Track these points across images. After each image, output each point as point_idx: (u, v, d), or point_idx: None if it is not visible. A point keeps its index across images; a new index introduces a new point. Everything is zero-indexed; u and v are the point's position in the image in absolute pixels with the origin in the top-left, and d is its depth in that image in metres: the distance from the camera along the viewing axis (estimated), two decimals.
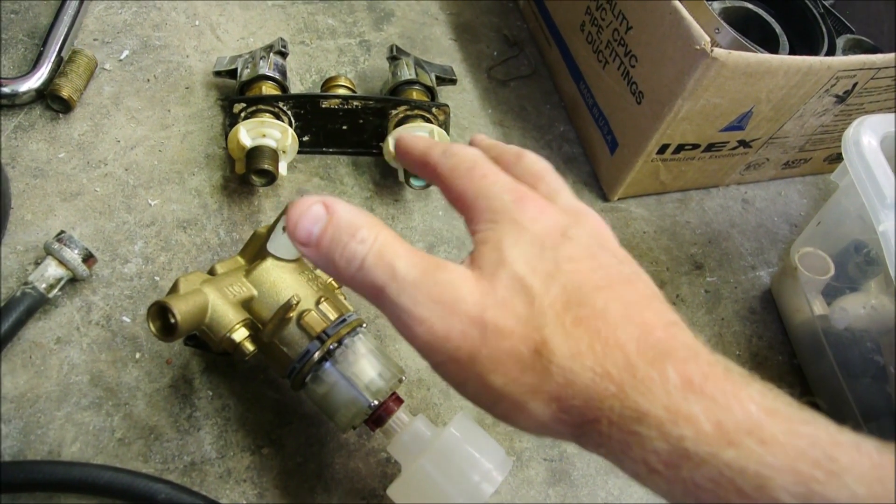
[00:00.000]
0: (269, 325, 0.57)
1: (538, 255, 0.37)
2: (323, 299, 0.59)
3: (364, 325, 0.60)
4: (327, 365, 0.57)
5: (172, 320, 0.53)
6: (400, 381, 0.59)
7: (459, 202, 0.42)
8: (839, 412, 0.73)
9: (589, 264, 0.37)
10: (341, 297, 0.62)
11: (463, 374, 0.36)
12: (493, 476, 0.55)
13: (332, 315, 0.58)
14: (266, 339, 0.57)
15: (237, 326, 0.57)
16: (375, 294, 0.37)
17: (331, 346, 0.57)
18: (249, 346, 0.57)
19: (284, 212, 0.58)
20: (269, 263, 0.59)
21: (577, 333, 0.34)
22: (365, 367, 0.58)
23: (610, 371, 0.33)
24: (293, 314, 0.57)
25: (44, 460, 0.59)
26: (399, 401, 0.59)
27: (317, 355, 0.57)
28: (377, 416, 0.57)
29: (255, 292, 0.59)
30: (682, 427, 0.31)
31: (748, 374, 0.34)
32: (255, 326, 0.58)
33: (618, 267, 0.38)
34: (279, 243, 0.59)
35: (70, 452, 0.60)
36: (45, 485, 0.56)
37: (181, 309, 0.53)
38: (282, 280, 0.59)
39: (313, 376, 0.57)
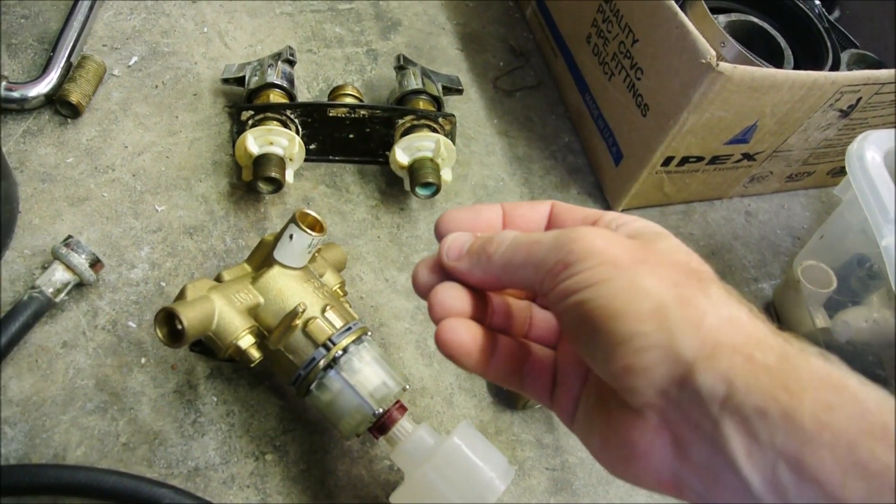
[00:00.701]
0: (276, 332, 0.57)
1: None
2: (328, 307, 0.59)
3: (369, 333, 0.61)
4: (332, 373, 0.57)
5: (180, 327, 0.54)
6: (404, 389, 0.59)
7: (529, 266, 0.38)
8: None
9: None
10: (346, 306, 0.63)
11: (613, 272, 0.33)
12: (495, 485, 0.55)
13: (338, 323, 0.58)
14: (272, 346, 0.58)
15: (243, 333, 0.57)
16: (534, 249, 0.36)
17: (336, 354, 0.57)
18: (255, 353, 0.58)
19: (292, 220, 0.59)
20: (275, 271, 0.60)
21: (731, 294, 0.34)
22: (370, 375, 0.58)
23: (765, 325, 0.33)
24: (299, 321, 0.57)
25: (49, 464, 0.59)
26: (403, 409, 0.59)
27: (322, 363, 0.57)
28: (381, 424, 0.58)
29: (261, 300, 0.59)
30: (834, 367, 0.31)
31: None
32: (261, 334, 0.59)
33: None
34: (286, 251, 0.60)
35: (75, 456, 0.60)
36: (49, 488, 0.56)
37: (188, 315, 0.54)
38: (288, 288, 0.59)
39: (318, 384, 0.58)
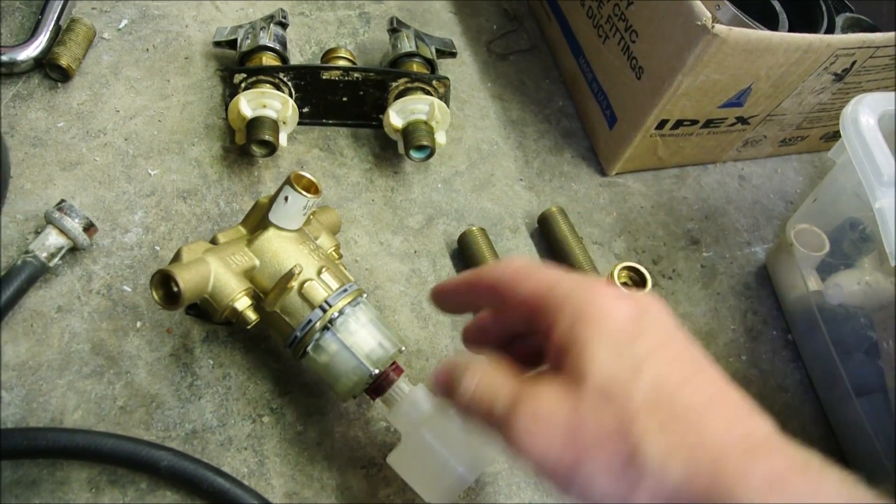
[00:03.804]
0: (271, 294, 0.57)
1: (618, 358, 0.38)
2: (324, 269, 0.59)
3: (365, 295, 0.61)
4: (328, 334, 0.58)
5: (176, 289, 0.54)
6: (400, 350, 0.60)
7: (527, 304, 0.43)
8: (832, 387, 0.74)
9: (665, 356, 0.39)
10: (342, 268, 0.63)
11: (563, 485, 0.38)
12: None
13: (334, 285, 0.58)
14: (268, 308, 0.58)
15: (239, 295, 0.57)
16: (487, 418, 0.41)
17: (332, 316, 0.57)
18: (252, 315, 0.58)
19: (287, 181, 0.58)
20: (270, 233, 0.60)
21: (666, 434, 0.36)
22: (366, 336, 0.58)
23: (699, 469, 0.35)
24: (295, 283, 0.57)
25: (47, 427, 0.59)
26: (399, 370, 0.59)
27: (318, 325, 0.57)
28: (377, 386, 0.58)
29: (256, 262, 0.59)
30: None
31: (823, 464, 0.36)
32: (256, 296, 0.59)
33: (690, 353, 0.40)
34: (281, 213, 0.60)
35: (72, 420, 0.60)
36: (48, 452, 0.57)
37: (185, 278, 0.54)
38: (284, 250, 0.59)
39: (315, 345, 0.58)
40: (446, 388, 0.44)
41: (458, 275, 0.51)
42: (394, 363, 0.59)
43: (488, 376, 0.42)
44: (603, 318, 0.39)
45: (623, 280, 0.69)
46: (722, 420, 0.37)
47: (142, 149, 0.75)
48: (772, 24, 0.83)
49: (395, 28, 0.83)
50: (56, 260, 0.65)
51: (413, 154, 0.75)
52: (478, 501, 0.64)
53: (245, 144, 0.72)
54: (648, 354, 0.39)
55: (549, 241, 0.78)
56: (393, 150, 0.81)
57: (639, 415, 0.37)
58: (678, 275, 0.80)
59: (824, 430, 0.74)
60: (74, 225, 0.64)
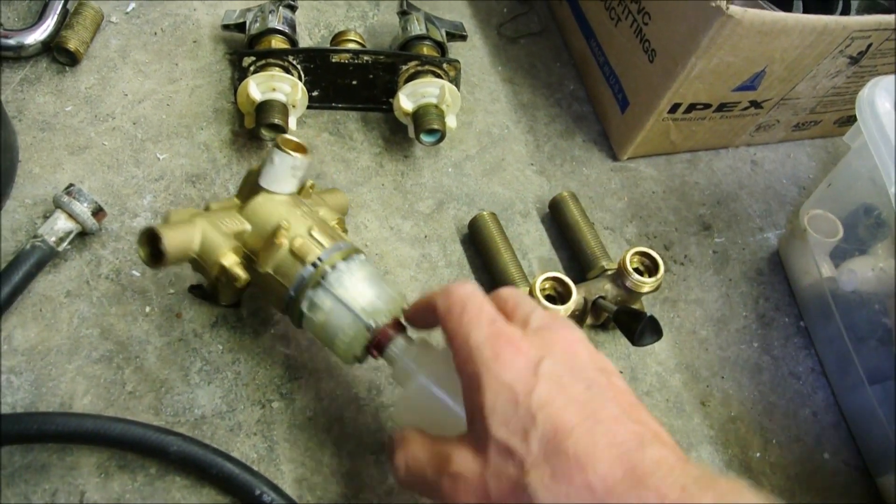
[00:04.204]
0: (262, 252, 0.57)
1: (514, 412, 0.43)
2: (315, 227, 0.58)
3: (363, 256, 0.59)
4: (321, 291, 0.55)
5: (161, 247, 0.53)
6: (402, 308, 0.57)
7: (450, 341, 0.48)
8: (845, 374, 0.73)
9: (560, 401, 0.43)
10: (339, 230, 0.62)
11: None
12: None
13: (327, 242, 0.57)
14: (261, 269, 0.57)
15: (227, 251, 0.57)
16: (421, 486, 0.49)
17: (325, 271, 0.55)
18: (241, 273, 0.57)
19: (274, 144, 0.58)
20: (261, 197, 0.59)
21: (557, 483, 0.41)
22: (362, 290, 0.56)
23: None
24: (284, 240, 0.56)
25: (56, 412, 0.59)
26: (400, 326, 0.56)
27: (311, 281, 0.55)
28: (377, 342, 0.55)
29: (247, 226, 0.58)
30: None
31: (714, 476, 0.40)
32: (249, 259, 0.58)
33: (587, 392, 0.44)
34: (270, 175, 0.59)
35: (82, 405, 0.60)
36: (57, 436, 0.56)
37: (169, 235, 0.54)
38: (275, 211, 0.58)
39: (309, 304, 0.56)
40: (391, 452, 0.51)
41: (419, 299, 0.54)
42: (395, 319, 0.56)
43: (415, 448, 0.49)
44: (497, 380, 0.44)
45: (635, 265, 0.68)
46: (607, 460, 0.40)
47: (150, 133, 0.75)
48: (786, 6, 0.81)
49: (406, 11, 0.82)
50: (65, 244, 0.65)
51: (423, 138, 0.75)
52: None
53: (254, 128, 0.72)
54: (542, 406, 0.43)
55: (560, 226, 0.77)
56: (403, 134, 0.80)
57: (533, 468, 0.41)
58: (690, 260, 0.80)
59: (836, 417, 0.73)
60: (83, 209, 0.64)
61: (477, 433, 0.44)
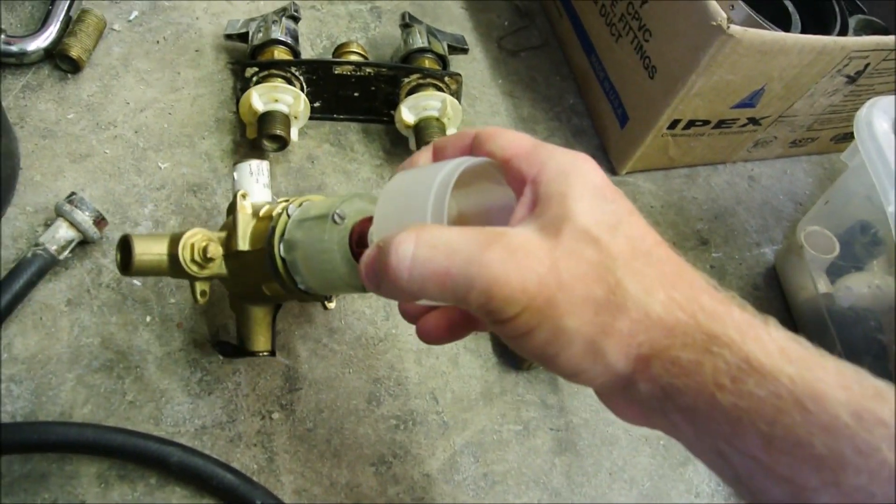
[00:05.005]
0: (232, 231, 0.56)
1: (601, 208, 0.38)
2: (281, 199, 0.57)
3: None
4: (291, 225, 0.52)
5: (131, 250, 0.54)
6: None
7: (507, 154, 0.42)
8: None
9: (637, 222, 0.39)
10: None
11: (536, 320, 0.36)
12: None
13: (295, 204, 0.55)
14: (241, 246, 0.55)
15: (197, 232, 0.56)
16: (444, 281, 0.36)
17: (289, 210, 0.53)
18: (215, 248, 0.56)
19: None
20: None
21: (647, 273, 0.37)
22: (323, 203, 0.52)
23: (681, 303, 0.36)
24: (246, 202, 0.56)
25: (57, 421, 0.59)
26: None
27: (279, 225, 0.53)
28: (357, 238, 0.48)
29: (223, 233, 0.58)
30: (750, 345, 0.34)
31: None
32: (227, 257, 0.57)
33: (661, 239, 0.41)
34: (240, 182, 0.60)
35: (81, 414, 0.60)
36: (57, 446, 0.56)
37: (139, 240, 0.55)
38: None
39: (285, 245, 0.52)
40: (376, 270, 0.39)
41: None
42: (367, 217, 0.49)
43: (430, 228, 0.38)
44: (586, 176, 0.39)
45: None
46: (695, 275, 0.38)
47: (152, 141, 0.75)
48: (784, 25, 0.82)
49: (408, 23, 0.82)
50: (66, 253, 0.65)
51: None
52: (487, 500, 0.64)
53: (256, 139, 0.72)
54: (629, 212, 0.39)
55: None
56: (404, 146, 0.80)
57: (620, 255, 0.37)
58: None
59: None
60: (85, 218, 0.64)
61: (552, 218, 0.38)
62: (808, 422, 0.32)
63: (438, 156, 0.46)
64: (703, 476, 0.69)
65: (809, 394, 0.33)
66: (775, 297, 0.81)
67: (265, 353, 0.61)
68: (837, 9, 0.84)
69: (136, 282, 0.67)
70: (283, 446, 0.62)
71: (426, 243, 0.37)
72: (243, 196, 0.56)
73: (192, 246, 0.55)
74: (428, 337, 0.46)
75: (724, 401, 0.34)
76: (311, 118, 0.78)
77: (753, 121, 0.82)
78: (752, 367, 0.34)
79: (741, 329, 0.35)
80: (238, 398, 0.63)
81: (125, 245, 0.55)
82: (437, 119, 0.75)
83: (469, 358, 0.70)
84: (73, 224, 0.64)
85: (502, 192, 0.44)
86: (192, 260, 0.55)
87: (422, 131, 0.74)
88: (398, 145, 0.81)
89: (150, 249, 0.55)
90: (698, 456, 0.38)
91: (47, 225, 0.66)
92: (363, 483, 0.62)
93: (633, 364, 0.37)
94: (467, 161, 0.41)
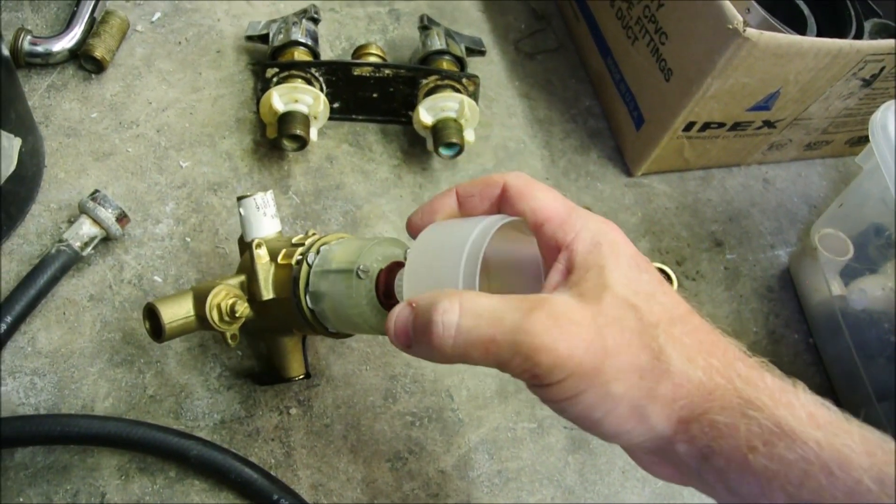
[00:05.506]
0: (252, 280, 0.56)
1: (637, 278, 0.40)
2: (296, 238, 0.56)
3: (346, 235, 0.57)
4: (314, 276, 0.52)
5: (160, 320, 0.55)
6: (406, 256, 0.47)
7: (541, 216, 0.43)
8: (853, 391, 0.74)
9: (668, 290, 0.41)
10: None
11: (584, 385, 0.37)
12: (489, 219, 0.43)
13: (308, 241, 0.55)
14: (264, 297, 0.55)
15: (220, 290, 0.56)
16: (488, 348, 0.37)
17: (309, 259, 0.53)
18: (241, 305, 0.55)
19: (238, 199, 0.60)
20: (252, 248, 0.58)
21: (686, 342, 0.39)
22: (342, 251, 0.52)
23: (719, 370, 0.38)
24: (262, 250, 0.56)
25: (79, 414, 0.60)
26: (400, 264, 0.49)
27: (302, 273, 0.52)
28: (384, 289, 0.48)
29: (242, 277, 0.58)
30: (782, 410, 0.36)
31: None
32: (252, 302, 0.57)
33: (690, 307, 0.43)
34: (247, 227, 0.59)
35: (103, 407, 0.61)
36: (80, 438, 0.58)
37: (165, 306, 0.55)
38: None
39: (312, 296, 0.52)
40: (409, 332, 0.40)
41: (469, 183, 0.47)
42: (393, 262, 0.49)
43: (472, 295, 0.39)
44: (620, 246, 0.41)
45: None
46: (727, 342, 0.40)
47: (173, 141, 0.76)
48: (800, 28, 0.83)
49: (426, 25, 0.83)
50: (89, 249, 0.66)
51: (442, 151, 0.76)
52: (501, 496, 0.64)
53: (276, 138, 0.73)
54: (659, 283, 0.41)
55: None
56: (421, 147, 0.81)
57: (660, 323, 0.38)
58: (701, 276, 0.81)
59: None
60: (108, 215, 0.65)
61: (591, 286, 0.39)
62: (833, 485, 0.34)
63: (465, 206, 0.46)
64: None
65: (836, 459, 0.34)
66: (789, 299, 0.82)
67: (301, 377, 0.63)
68: (853, 12, 0.84)
69: (157, 278, 0.68)
70: (300, 441, 0.63)
71: (470, 312, 0.38)
72: (258, 246, 0.56)
73: (219, 307, 0.55)
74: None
75: (756, 463, 0.36)
76: (330, 118, 0.79)
77: (768, 124, 0.82)
78: (784, 431, 0.36)
79: (773, 394, 0.37)
80: (256, 393, 0.64)
81: (152, 314, 0.56)
82: (455, 120, 0.76)
83: None
84: (96, 221, 0.65)
85: (528, 244, 0.45)
86: (222, 320, 0.56)
87: (439, 132, 0.75)
88: (416, 146, 0.82)
89: (177, 314, 0.56)
90: None
91: (71, 222, 0.67)
92: (379, 478, 0.63)
93: (674, 426, 0.38)
94: (500, 221, 0.42)
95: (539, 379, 0.37)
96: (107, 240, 0.68)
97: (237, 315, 0.55)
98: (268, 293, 0.55)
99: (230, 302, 0.55)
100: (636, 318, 0.38)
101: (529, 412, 0.68)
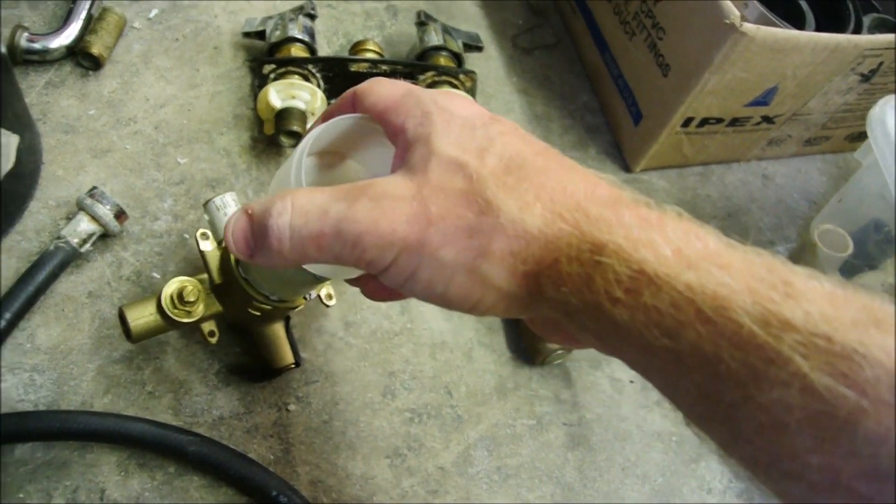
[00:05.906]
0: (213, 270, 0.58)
1: (469, 135, 0.37)
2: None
3: None
4: None
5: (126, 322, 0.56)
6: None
7: (379, 108, 0.41)
8: None
9: (520, 137, 0.38)
10: None
11: (415, 260, 0.36)
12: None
13: None
14: (218, 280, 0.58)
15: (185, 282, 0.58)
16: (320, 244, 0.36)
17: None
18: (194, 286, 0.58)
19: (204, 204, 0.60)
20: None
21: (521, 188, 0.35)
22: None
23: (562, 214, 0.34)
24: (206, 239, 0.58)
25: (78, 410, 0.60)
26: None
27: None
28: None
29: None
30: (641, 252, 0.32)
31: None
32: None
33: (540, 141, 0.39)
34: (218, 230, 0.60)
35: (102, 404, 0.61)
36: (79, 434, 0.58)
37: (131, 309, 0.57)
38: None
39: (243, 267, 0.56)
40: (249, 241, 0.39)
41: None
42: None
43: (304, 193, 0.37)
44: (452, 111, 0.39)
45: None
46: (581, 183, 0.36)
47: (171, 137, 0.76)
48: (798, 24, 0.83)
49: (423, 21, 0.83)
50: (87, 246, 0.66)
51: None
52: (500, 493, 0.64)
53: (274, 135, 0.73)
54: (502, 133, 0.38)
55: None
56: None
57: (491, 176, 0.35)
58: None
59: None
60: (106, 211, 0.65)
61: (413, 160, 0.37)
62: (713, 334, 0.29)
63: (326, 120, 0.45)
64: (716, 472, 0.69)
65: (710, 302, 0.29)
66: None
67: (292, 366, 0.63)
68: (851, 7, 0.84)
69: (156, 274, 0.68)
70: (298, 437, 0.63)
71: (300, 210, 0.37)
72: (203, 235, 0.58)
73: (171, 295, 0.57)
74: (372, 295, 0.45)
75: (621, 316, 0.31)
76: None
77: (767, 119, 0.82)
78: (648, 276, 0.31)
79: (631, 233, 0.32)
80: (255, 390, 0.64)
81: (121, 316, 0.57)
82: None
83: (483, 352, 0.70)
84: (95, 217, 0.65)
85: (388, 150, 0.43)
86: (175, 307, 0.57)
87: None
88: None
89: (142, 313, 0.57)
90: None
91: (69, 218, 0.67)
92: (378, 475, 0.63)
93: (520, 282, 0.35)
94: (339, 122, 0.42)
95: (374, 265, 0.36)
96: (105, 236, 0.68)
97: (187, 299, 0.57)
98: (218, 278, 0.58)
99: (178, 287, 0.57)
100: (463, 177, 0.36)
101: (528, 409, 0.68)
